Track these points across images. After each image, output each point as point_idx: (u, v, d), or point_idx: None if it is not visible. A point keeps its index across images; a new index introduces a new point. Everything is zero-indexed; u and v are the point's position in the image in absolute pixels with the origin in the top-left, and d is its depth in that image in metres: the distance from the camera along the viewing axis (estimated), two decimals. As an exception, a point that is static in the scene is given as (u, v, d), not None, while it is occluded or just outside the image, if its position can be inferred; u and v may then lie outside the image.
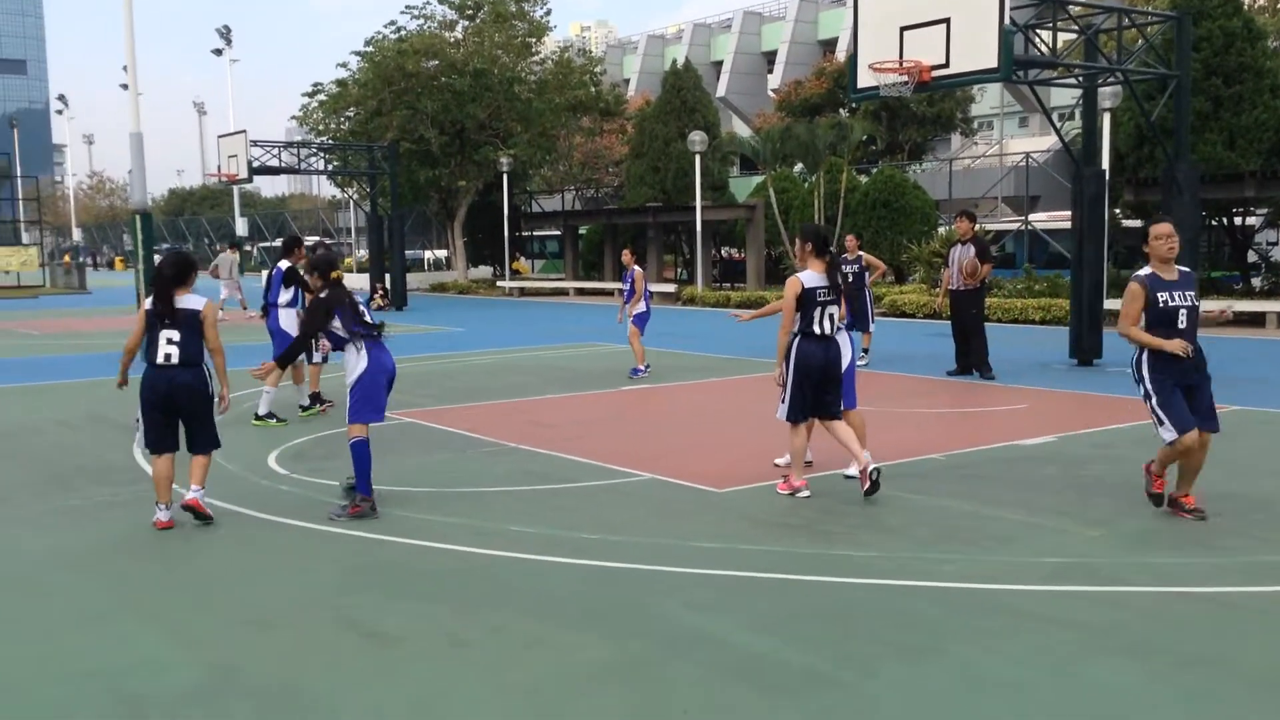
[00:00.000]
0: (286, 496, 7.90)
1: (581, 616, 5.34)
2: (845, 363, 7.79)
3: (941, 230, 27.37)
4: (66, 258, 55.91)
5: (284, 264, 11.32)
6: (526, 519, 7.16)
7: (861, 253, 15.39)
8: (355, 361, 7.32)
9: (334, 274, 7.50)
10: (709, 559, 6.19)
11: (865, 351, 15.03)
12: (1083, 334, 14.73)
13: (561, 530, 6.88)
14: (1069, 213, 15.43)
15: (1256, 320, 19.63)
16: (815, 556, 6.24)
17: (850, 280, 15.08)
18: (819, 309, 7.45)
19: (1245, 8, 23.52)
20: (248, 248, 58.11)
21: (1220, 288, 22.93)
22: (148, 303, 7.12)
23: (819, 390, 7.57)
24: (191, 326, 7.00)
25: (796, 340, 7.54)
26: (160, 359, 6.96)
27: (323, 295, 7.42)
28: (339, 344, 7.39)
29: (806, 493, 7.60)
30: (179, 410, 7.07)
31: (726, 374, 14.37)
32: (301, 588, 5.86)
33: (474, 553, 6.41)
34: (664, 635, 5.05)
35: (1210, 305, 8.33)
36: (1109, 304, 17.95)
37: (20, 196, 56.95)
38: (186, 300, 7.03)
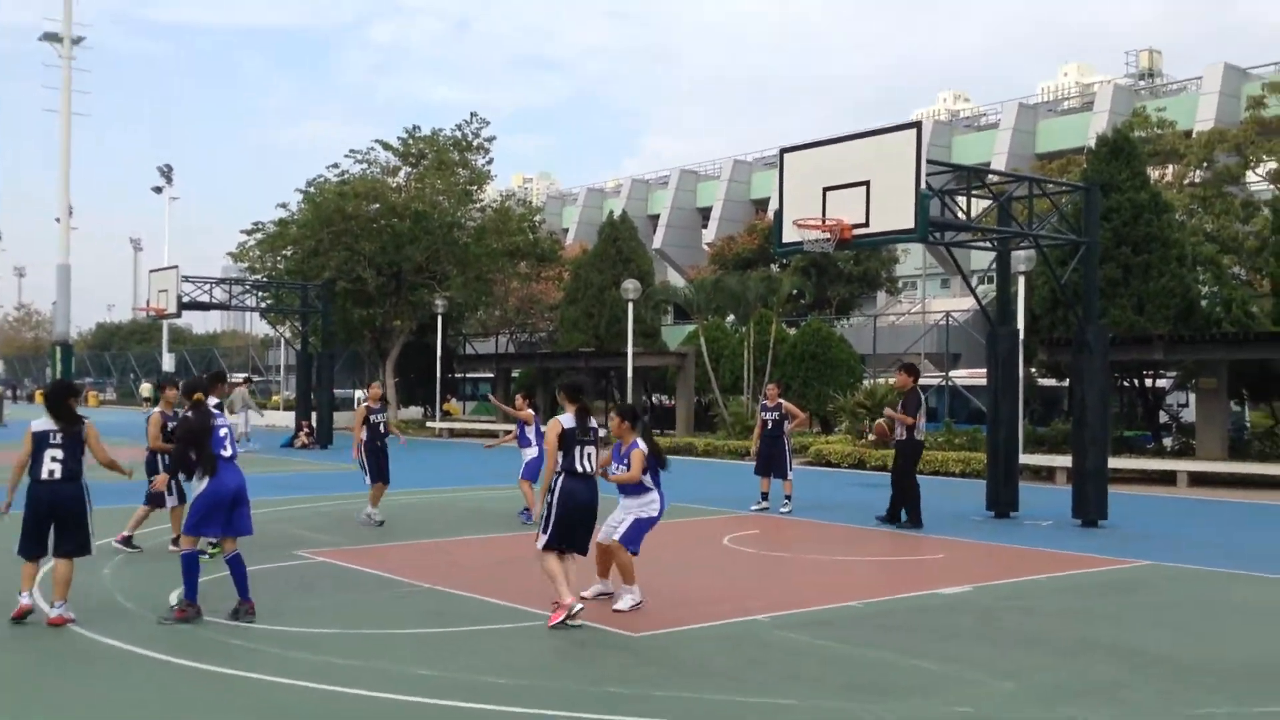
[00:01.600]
0: (186, 636, 7.60)
1: (481, 764, 5.15)
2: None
3: (866, 384, 27.92)
4: None
5: (212, 401, 11.12)
6: (434, 662, 6.95)
7: (781, 400, 15.63)
8: (200, 479, 8.00)
9: (196, 396, 8.28)
10: (623, 706, 6.04)
11: (787, 498, 15.12)
12: (999, 487, 14.97)
13: (468, 674, 6.68)
14: (986, 371, 15.87)
15: (1168, 479, 20.13)
16: (732, 704, 6.12)
17: (769, 427, 15.27)
18: (578, 448, 8.02)
19: (1152, 182, 24.88)
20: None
21: (1133, 446, 23.53)
22: (34, 425, 7.88)
23: (578, 525, 8.04)
24: (74, 443, 7.82)
25: (560, 478, 8.01)
26: (44, 475, 7.74)
27: (189, 415, 8.21)
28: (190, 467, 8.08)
29: (580, 607, 7.85)
30: (57, 519, 7.80)
31: (650, 519, 14.28)
32: (190, 731, 5.59)
33: (374, 697, 6.18)
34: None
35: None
36: (1024, 459, 18.36)
37: (-59, 325, 55.77)
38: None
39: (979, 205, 16.59)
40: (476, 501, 16.38)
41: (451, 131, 38.29)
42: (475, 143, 38.40)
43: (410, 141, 37.94)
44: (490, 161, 39.00)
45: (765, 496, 15.33)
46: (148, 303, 31.42)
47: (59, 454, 7.78)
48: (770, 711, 5.98)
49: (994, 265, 16.10)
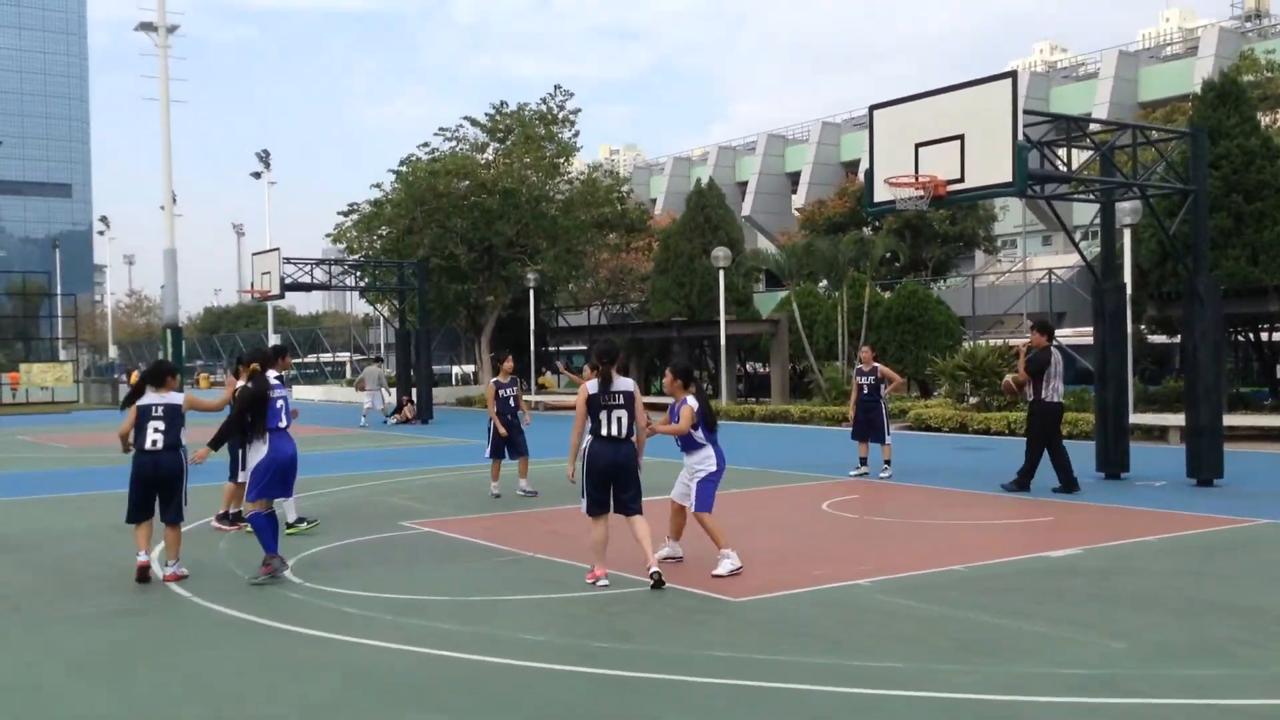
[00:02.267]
0: (299, 605, 7.85)
1: (588, 726, 5.22)
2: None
3: (965, 346, 27.39)
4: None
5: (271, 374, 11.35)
6: (539, 627, 7.07)
7: (877, 364, 15.40)
8: (259, 448, 8.64)
9: (253, 367, 8.91)
10: (722, 668, 6.07)
11: (887, 463, 14.94)
12: (1109, 447, 14.57)
13: (574, 638, 6.78)
14: (1092, 329, 15.43)
15: (1287, 434, 19.39)
16: (830, 667, 6.10)
17: (865, 392, 15.08)
18: (605, 412, 8.14)
19: (1263, 127, 23.83)
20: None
21: (1249, 402, 22.69)
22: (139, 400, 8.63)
23: (613, 488, 8.22)
24: (173, 415, 8.55)
25: (588, 442, 8.24)
26: (148, 445, 8.48)
27: (249, 386, 8.79)
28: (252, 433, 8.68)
29: (605, 582, 8.09)
30: (159, 487, 8.56)
31: (749, 485, 14.28)
32: (307, 696, 5.78)
33: (483, 660, 6.31)
34: (671, 745, 4.93)
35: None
36: (1134, 418, 17.81)
37: (59, 314, 58.27)
38: (168, 397, 8.62)
39: (1080, 157, 16.09)
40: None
41: (537, 105, 38.51)
42: (561, 115, 38.54)
43: (497, 117, 38.25)
44: (576, 134, 39.14)
45: (864, 461, 15.17)
46: (252, 285, 32.30)
47: (160, 425, 8.51)
48: (875, 674, 5.94)
49: (1098, 219, 15.59)
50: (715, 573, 8.41)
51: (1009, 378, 13.81)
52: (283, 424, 8.85)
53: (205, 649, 6.80)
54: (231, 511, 11.14)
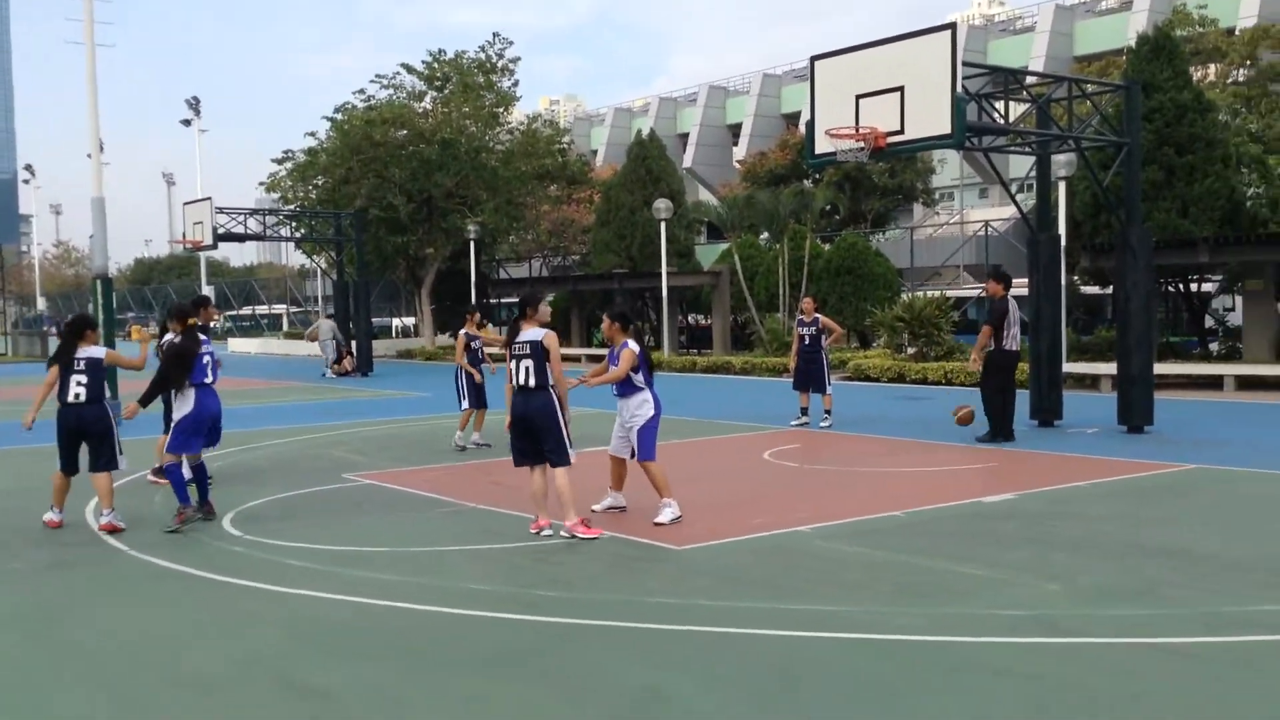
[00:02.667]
0: (238, 558, 7.74)
1: (533, 674, 5.23)
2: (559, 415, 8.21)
3: (904, 297, 27.66)
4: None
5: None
6: (483, 577, 7.05)
7: (818, 315, 15.50)
8: (184, 403, 8.81)
9: (191, 321, 9.08)
10: (666, 614, 6.10)
11: (827, 413, 15.08)
12: (1042, 395, 14.84)
13: (517, 587, 6.77)
14: (1027, 280, 15.64)
15: (1215, 384, 19.89)
16: (772, 611, 6.16)
17: (807, 343, 15.18)
18: (514, 362, 8.13)
19: (1195, 81, 24.17)
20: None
21: (1179, 352, 23.23)
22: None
23: (527, 436, 8.17)
24: (95, 369, 8.67)
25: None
26: (70, 398, 8.61)
27: (178, 340, 9.02)
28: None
29: (549, 532, 8.13)
30: (85, 438, 8.71)
31: (691, 435, 14.34)
32: (245, 649, 5.71)
33: (426, 610, 6.28)
34: (618, 692, 4.95)
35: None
36: (1068, 367, 18.16)
37: (-17, 265, 56.52)
38: (89, 351, 8.72)
39: (1017, 110, 16.21)
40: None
41: (475, 54, 37.86)
42: (500, 64, 37.95)
43: (435, 65, 37.54)
44: (516, 84, 38.60)
45: (805, 412, 15.30)
46: (184, 236, 31.56)
47: (82, 379, 8.64)
48: (815, 617, 6.01)
49: (1033, 171, 15.76)
50: (656, 520, 8.45)
51: (964, 409, 13.36)
52: (208, 379, 8.97)
53: (141, 602, 6.68)
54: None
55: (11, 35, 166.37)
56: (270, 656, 5.55)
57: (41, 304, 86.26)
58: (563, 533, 8.05)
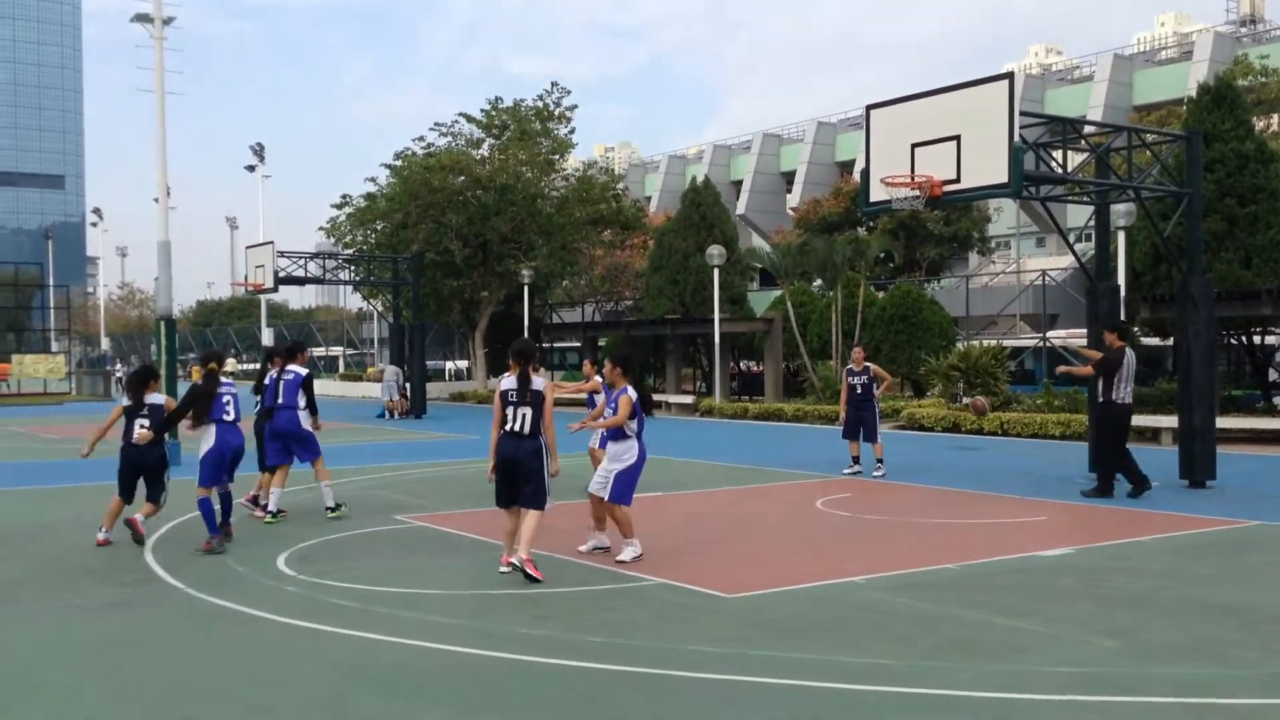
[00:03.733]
0: (292, 598, 7.84)
1: (581, 718, 5.23)
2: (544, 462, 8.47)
3: (959, 346, 27.42)
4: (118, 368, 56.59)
5: (300, 369, 11.55)
6: (534, 622, 7.07)
7: (869, 364, 15.42)
8: (206, 439, 9.68)
9: (211, 366, 9.87)
10: (716, 664, 6.08)
11: (880, 462, 14.96)
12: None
13: (568, 632, 6.79)
14: (1085, 330, 15.46)
15: (1279, 439, 19.45)
16: (823, 663, 6.11)
17: (859, 392, 15.09)
18: (511, 409, 8.36)
19: (1257, 131, 23.88)
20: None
21: (1241, 405, 22.75)
22: (124, 400, 9.98)
23: (511, 480, 8.38)
24: (157, 415, 9.72)
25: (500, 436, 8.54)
26: (134, 439, 9.65)
27: (200, 383, 9.82)
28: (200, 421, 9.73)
29: (506, 570, 8.36)
30: (144, 474, 9.76)
31: (742, 483, 14.29)
32: (300, 688, 5.78)
33: (477, 654, 6.32)
34: (666, 739, 4.93)
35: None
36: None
37: (51, 305, 58.08)
38: (152, 398, 9.80)
39: (1075, 159, 16.12)
40: (567, 469, 16.51)
41: (533, 102, 38.44)
42: (557, 112, 38.49)
43: (493, 113, 38.17)
44: (572, 131, 39.08)
45: (856, 460, 15.20)
46: (245, 278, 32.26)
47: (145, 422, 9.68)
48: (867, 670, 5.96)
49: (1092, 221, 15.63)
50: (619, 558, 8.85)
51: (980, 399, 13.46)
52: (228, 416, 9.79)
53: (198, 641, 6.79)
54: (261, 499, 11.55)
55: (84, 79, 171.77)
56: (325, 698, 5.61)
57: (106, 344, 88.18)
58: (515, 561, 8.25)
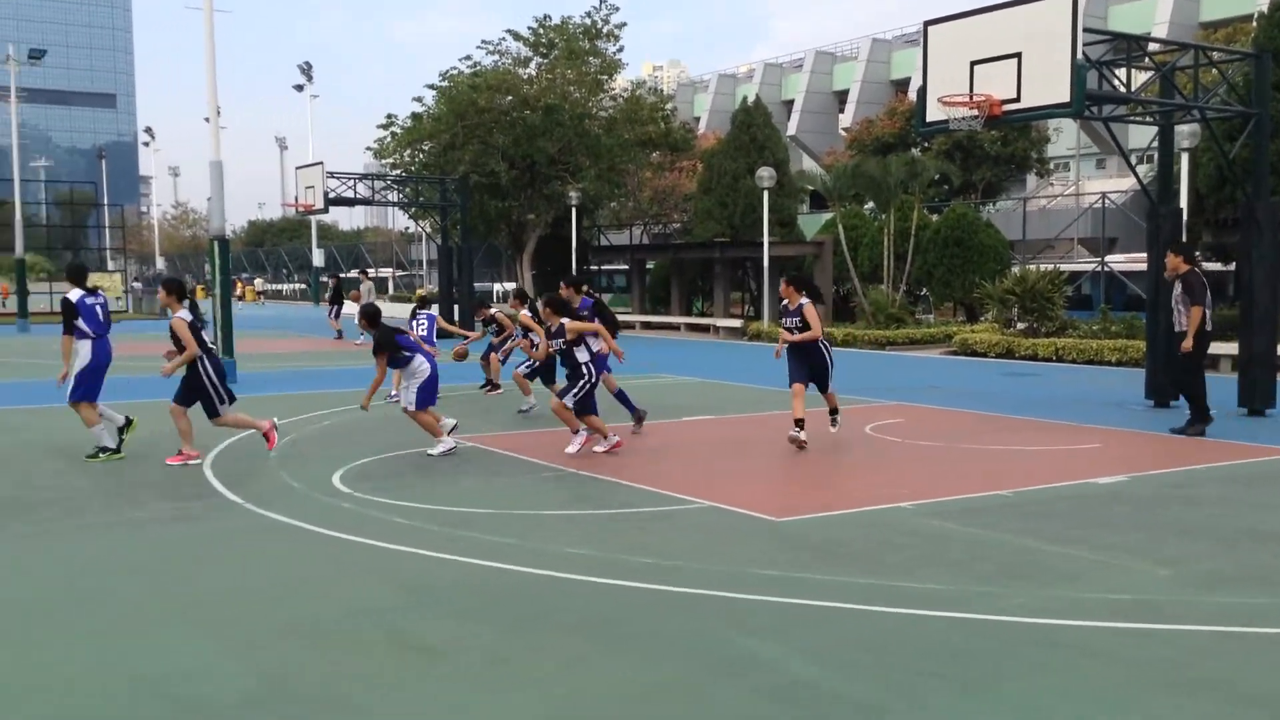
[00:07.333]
0: (348, 514, 7.98)
1: (628, 637, 5.30)
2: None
3: (1014, 270, 26.97)
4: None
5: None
6: (581, 542, 7.14)
7: (804, 301, 13.88)
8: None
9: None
10: (764, 586, 6.11)
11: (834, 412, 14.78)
12: (1159, 375, 14.37)
13: (616, 554, 6.85)
14: (1145, 254, 15.11)
15: (1342, 366, 18.99)
16: (873, 587, 6.12)
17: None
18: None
19: (1332, 47, 22.94)
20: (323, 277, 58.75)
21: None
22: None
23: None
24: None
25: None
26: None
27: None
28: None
29: (197, 462, 9.82)
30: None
31: (789, 408, 14.24)
32: (354, 601, 5.90)
33: (527, 572, 6.40)
34: (711, 659, 4.98)
35: None
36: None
37: (106, 225, 58.89)
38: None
39: (1139, 78, 15.59)
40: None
41: (581, 19, 37.86)
42: (605, 30, 37.88)
43: (540, 31, 37.66)
44: (621, 50, 38.45)
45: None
46: (296, 199, 32.40)
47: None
48: (916, 595, 5.96)
49: (1155, 142, 15.18)
50: (430, 452, 10.42)
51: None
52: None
53: (256, 553, 6.95)
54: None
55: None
56: (379, 610, 5.72)
57: (160, 264, 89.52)
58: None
